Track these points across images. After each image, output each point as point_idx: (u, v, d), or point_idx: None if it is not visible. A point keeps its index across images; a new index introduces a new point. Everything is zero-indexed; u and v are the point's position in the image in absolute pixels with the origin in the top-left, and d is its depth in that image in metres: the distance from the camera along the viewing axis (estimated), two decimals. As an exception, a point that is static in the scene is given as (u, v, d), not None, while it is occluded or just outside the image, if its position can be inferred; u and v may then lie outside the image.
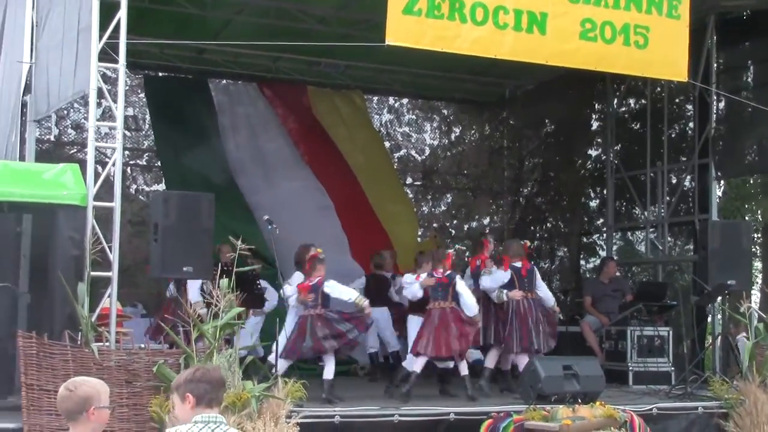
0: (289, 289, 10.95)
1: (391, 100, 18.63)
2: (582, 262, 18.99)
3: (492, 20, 10.14)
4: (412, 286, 11.49)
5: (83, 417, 4.34)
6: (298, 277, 11.20)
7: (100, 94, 9.24)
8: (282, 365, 10.32)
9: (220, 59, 15.57)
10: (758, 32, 13.78)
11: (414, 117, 18.96)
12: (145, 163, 17.20)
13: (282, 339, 10.51)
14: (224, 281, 9.16)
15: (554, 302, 12.08)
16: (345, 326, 10.65)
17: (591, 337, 13.67)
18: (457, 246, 18.68)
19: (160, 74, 15.98)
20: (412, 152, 18.93)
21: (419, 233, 17.63)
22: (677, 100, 15.96)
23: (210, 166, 15.23)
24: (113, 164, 9.19)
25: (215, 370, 4.69)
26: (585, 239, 18.91)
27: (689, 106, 15.39)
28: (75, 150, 16.00)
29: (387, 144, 18.15)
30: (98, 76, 9.08)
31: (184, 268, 9.43)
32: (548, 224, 18.86)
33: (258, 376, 9.25)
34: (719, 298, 12.53)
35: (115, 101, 9.27)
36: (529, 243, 12.65)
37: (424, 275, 11.37)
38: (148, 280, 13.68)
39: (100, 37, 9.01)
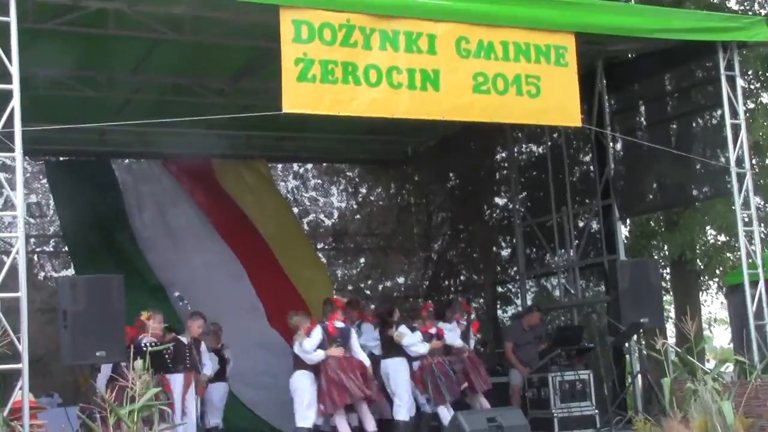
0: (415, 337, 11.60)
1: (295, 166, 18.68)
2: (499, 312, 19.12)
3: (386, 81, 10.31)
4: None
5: None
6: (404, 328, 11.87)
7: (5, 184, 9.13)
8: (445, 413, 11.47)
9: (122, 139, 15.49)
10: (645, 73, 14.17)
11: (320, 181, 19.03)
12: (52, 249, 16.91)
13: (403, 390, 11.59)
14: (139, 362, 9.04)
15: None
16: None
17: (516, 400, 13.75)
18: (372, 306, 18.77)
19: (62, 158, 15.81)
20: (321, 216, 18.96)
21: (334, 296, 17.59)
22: (576, 144, 16.27)
23: (119, 247, 15.13)
24: (17, 253, 9.02)
25: None
26: (500, 288, 19.07)
27: (589, 149, 15.70)
28: (-23, 242, 15.70)
29: (295, 210, 18.16)
30: (-6, 166, 8.96)
31: (98, 353, 9.28)
32: (462, 277, 18.99)
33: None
34: (634, 337, 12.69)
35: (14, 190, 9.14)
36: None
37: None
38: (63, 369, 13.41)
39: (-6, 128, 8.89)
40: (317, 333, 11.37)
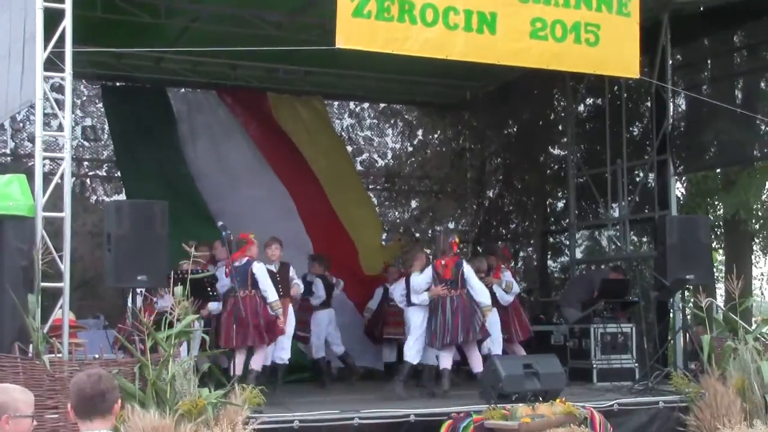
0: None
1: (351, 104, 18.59)
2: (550, 262, 19.06)
3: (442, 21, 10.16)
4: None
5: None
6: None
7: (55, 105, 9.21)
8: None
9: (179, 68, 15.51)
10: (714, 28, 13.84)
11: (375, 121, 18.93)
12: (105, 173, 17.08)
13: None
14: (179, 288, 9.14)
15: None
16: None
17: None
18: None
19: (118, 84, 15.90)
20: (375, 156, 18.89)
21: (384, 237, 17.63)
22: (636, 98, 16.02)
23: (171, 175, 15.21)
24: (61, 175, 9.11)
25: (93, 380, 4.31)
26: (551, 239, 18.98)
27: (649, 104, 15.45)
28: (33, 162, 15.85)
29: (349, 148, 18.12)
30: (46, 86, 9.00)
31: (139, 277, 9.38)
32: (513, 225, 18.91)
33: (214, 383, 9.21)
34: (679, 293, 12.56)
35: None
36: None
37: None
38: (111, 292, 13.60)
39: (46, 47, 8.93)
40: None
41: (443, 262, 11.58)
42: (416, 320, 11.89)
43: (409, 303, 12.14)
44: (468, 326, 11.33)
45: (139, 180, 14.91)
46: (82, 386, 4.30)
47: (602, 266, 15.86)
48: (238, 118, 16.17)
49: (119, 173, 16.01)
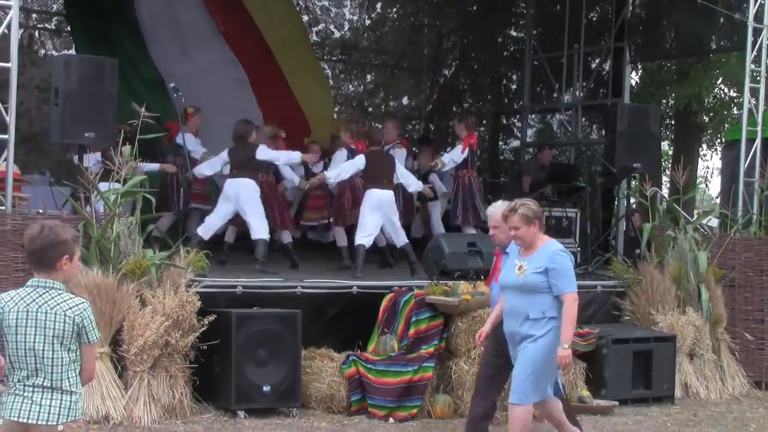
0: None
1: (309, -27, 18.25)
2: (501, 144, 19.12)
3: None
4: None
5: None
6: None
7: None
8: None
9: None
10: None
11: (333, -10, 18.63)
12: (54, 27, 16.65)
13: None
14: (126, 148, 9.03)
15: None
16: None
17: None
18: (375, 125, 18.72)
19: (71, -62, 15.40)
20: (331, 27, 18.57)
21: (335, 110, 17.49)
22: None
23: (122, 33, 14.86)
24: (8, 25, 8.86)
25: (32, 235, 4.38)
26: (504, 121, 18.99)
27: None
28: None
29: (305, 18, 17.78)
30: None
31: (86, 134, 9.20)
32: (466, 104, 18.88)
33: (159, 245, 9.19)
34: (625, 181, 12.67)
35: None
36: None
37: None
38: (57, 149, 13.44)
39: None
40: None
41: None
42: None
43: None
44: None
45: (89, 37, 14.51)
46: (25, 241, 4.42)
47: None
48: (191, -19, 15.74)
49: (69, 28, 15.61)
